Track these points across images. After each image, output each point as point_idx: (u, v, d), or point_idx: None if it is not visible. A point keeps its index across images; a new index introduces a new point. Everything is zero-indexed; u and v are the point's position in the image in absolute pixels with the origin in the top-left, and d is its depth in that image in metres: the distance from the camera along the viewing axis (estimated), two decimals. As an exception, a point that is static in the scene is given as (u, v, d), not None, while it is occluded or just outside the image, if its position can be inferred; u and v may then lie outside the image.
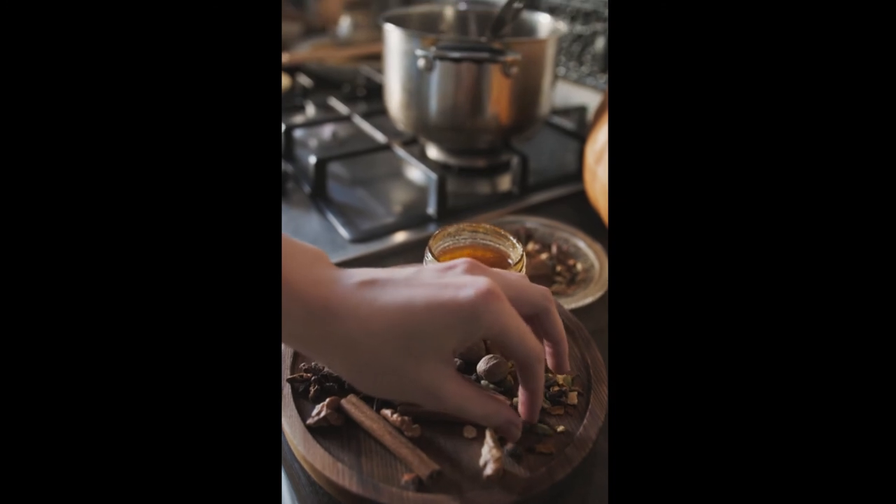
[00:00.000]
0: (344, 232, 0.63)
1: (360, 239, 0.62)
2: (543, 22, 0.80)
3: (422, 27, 0.83)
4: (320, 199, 0.70)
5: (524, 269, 0.42)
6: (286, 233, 0.63)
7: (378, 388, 0.33)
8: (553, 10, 1.00)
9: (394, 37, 0.70)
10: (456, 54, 0.64)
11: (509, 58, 0.63)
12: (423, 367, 0.31)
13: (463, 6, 0.85)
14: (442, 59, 0.65)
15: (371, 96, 1.02)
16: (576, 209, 0.71)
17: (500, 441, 0.35)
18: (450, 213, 0.68)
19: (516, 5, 0.60)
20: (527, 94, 0.71)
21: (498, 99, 0.69)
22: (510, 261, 0.44)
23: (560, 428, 0.37)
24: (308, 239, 0.63)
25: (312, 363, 0.40)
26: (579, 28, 0.97)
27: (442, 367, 0.31)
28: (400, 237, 0.63)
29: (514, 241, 0.44)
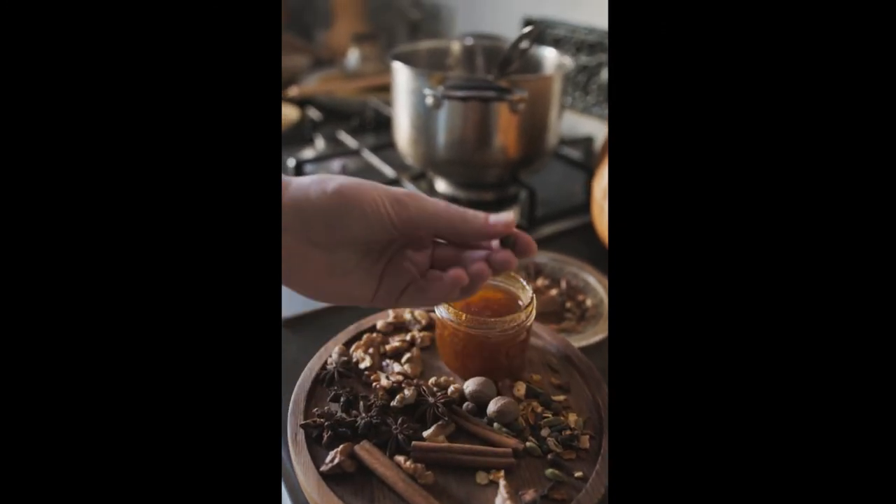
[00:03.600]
0: (354, 268, 0.64)
1: (370, 275, 0.63)
2: (549, 56, 0.81)
3: (429, 63, 0.85)
4: (331, 234, 0.71)
5: (534, 312, 0.43)
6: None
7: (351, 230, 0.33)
8: (558, 42, 1.01)
9: (402, 75, 0.71)
10: (463, 93, 0.65)
11: (516, 96, 0.64)
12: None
13: (470, 41, 0.87)
14: (450, 98, 0.66)
15: (379, 128, 1.03)
16: (584, 242, 0.71)
17: (514, 492, 0.35)
18: (459, 247, 0.68)
19: (523, 45, 0.61)
20: (534, 128, 0.72)
21: (505, 134, 0.70)
22: (520, 303, 0.44)
23: (578, 473, 0.37)
24: (319, 275, 0.63)
25: (325, 407, 0.41)
26: (584, 59, 0.99)
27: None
28: (410, 273, 0.64)
29: (524, 283, 0.44)
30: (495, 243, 0.36)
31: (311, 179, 0.33)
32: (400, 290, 0.36)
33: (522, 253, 0.36)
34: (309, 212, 0.32)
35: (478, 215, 0.35)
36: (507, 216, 0.35)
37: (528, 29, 0.60)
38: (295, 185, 0.33)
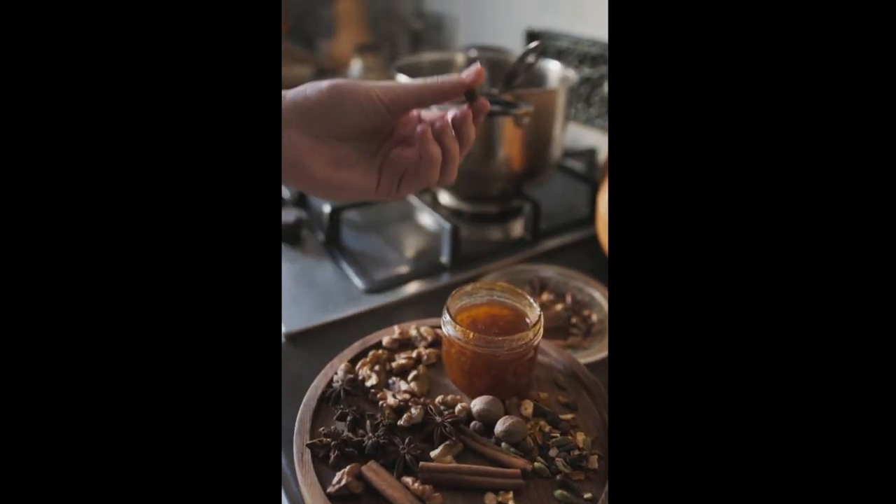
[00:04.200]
0: (358, 282, 0.64)
1: (374, 289, 0.63)
2: (553, 69, 0.81)
3: (433, 75, 0.85)
4: (334, 247, 0.71)
5: (542, 330, 0.42)
6: (300, 283, 0.64)
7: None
8: (560, 54, 1.01)
9: (407, 87, 0.71)
10: (468, 107, 0.65)
11: (522, 110, 0.64)
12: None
13: (473, 53, 0.87)
14: (455, 111, 0.66)
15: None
16: (588, 255, 0.71)
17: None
18: (463, 261, 0.68)
19: (529, 60, 0.61)
20: (538, 142, 0.72)
21: (510, 147, 0.70)
22: (528, 320, 0.44)
23: (587, 495, 0.37)
24: (322, 288, 0.63)
25: (331, 427, 0.40)
26: (587, 71, 0.99)
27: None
28: (413, 287, 0.64)
29: (531, 300, 0.44)
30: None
31: (305, 84, 0.38)
32: (398, 179, 0.41)
33: (478, 110, 0.41)
34: (308, 108, 0.37)
35: (452, 75, 0.40)
36: (475, 66, 0.40)
37: (534, 44, 0.60)
38: (292, 91, 0.37)
